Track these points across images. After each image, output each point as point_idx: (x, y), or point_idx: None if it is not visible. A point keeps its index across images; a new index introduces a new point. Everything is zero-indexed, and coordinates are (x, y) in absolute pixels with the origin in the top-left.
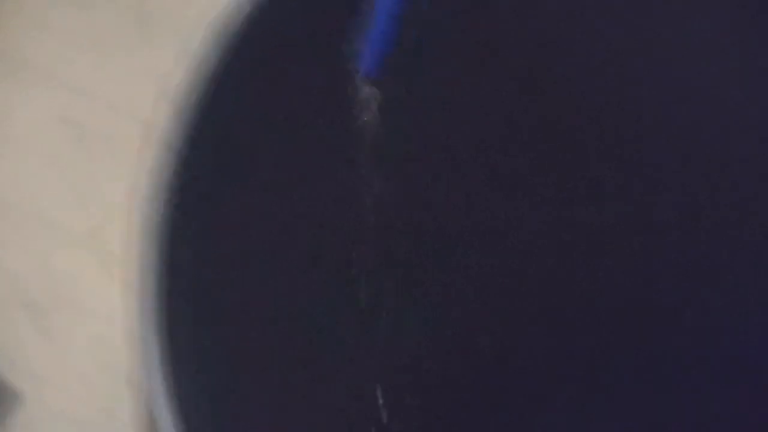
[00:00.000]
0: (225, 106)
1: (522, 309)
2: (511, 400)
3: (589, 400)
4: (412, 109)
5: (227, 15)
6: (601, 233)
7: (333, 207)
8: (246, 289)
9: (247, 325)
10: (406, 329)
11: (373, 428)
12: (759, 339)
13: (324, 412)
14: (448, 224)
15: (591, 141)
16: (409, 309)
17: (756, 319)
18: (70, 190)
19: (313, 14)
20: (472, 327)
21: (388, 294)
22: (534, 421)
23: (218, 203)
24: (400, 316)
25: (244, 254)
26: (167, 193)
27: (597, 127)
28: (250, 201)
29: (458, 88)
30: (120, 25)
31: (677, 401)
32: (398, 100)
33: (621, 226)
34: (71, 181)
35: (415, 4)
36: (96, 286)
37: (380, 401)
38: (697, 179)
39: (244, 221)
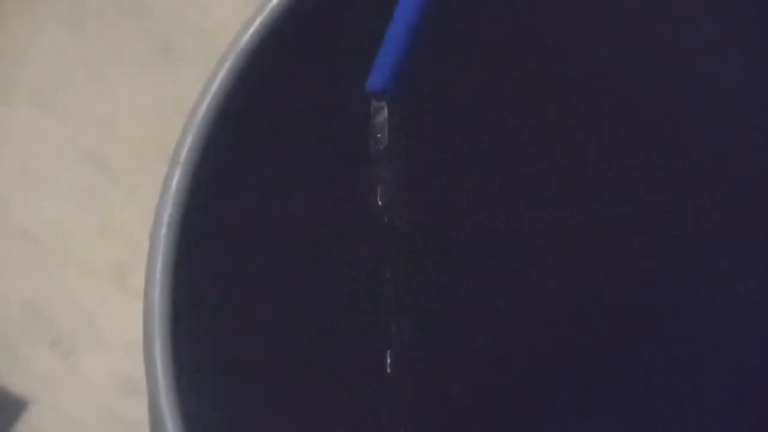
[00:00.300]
0: (236, 119)
1: (522, 309)
2: (511, 401)
3: (589, 400)
4: (415, 110)
5: (240, 30)
6: (602, 233)
7: (334, 208)
8: (248, 290)
9: (248, 325)
10: (406, 329)
11: (374, 429)
12: (759, 339)
13: (324, 412)
14: (448, 224)
15: (591, 141)
16: (410, 309)
17: (756, 319)
18: (95, 224)
19: (327, 29)
20: (471, 327)
21: (389, 294)
22: (533, 421)
23: (223, 208)
24: (401, 316)
25: (246, 256)
26: (177, 204)
27: (597, 127)
28: (253, 204)
29: (457, 88)
30: (141, 56)
31: (677, 402)
32: (402, 104)
33: (621, 226)
34: (95, 215)
35: (430, 17)
36: (119, 320)
37: (380, 402)
38: (698, 179)
39: (247, 224)
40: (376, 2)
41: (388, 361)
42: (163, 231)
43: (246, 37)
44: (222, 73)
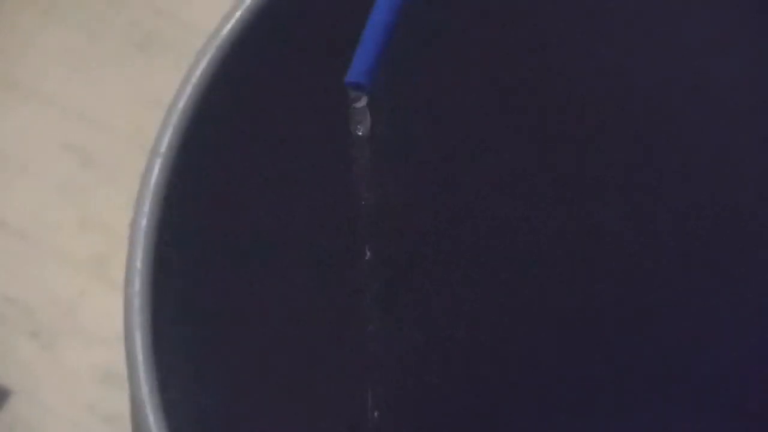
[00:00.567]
0: (216, 111)
1: (520, 309)
2: (510, 401)
3: (588, 400)
4: (407, 111)
5: (219, 23)
6: (601, 233)
7: (317, 202)
8: (228, 283)
9: (229, 318)
10: (403, 330)
11: (358, 423)
12: (759, 339)
13: (307, 406)
14: (445, 226)
15: (591, 141)
16: (407, 310)
17: (756, 319)
18: (74, 216)
19: (307, 23)
20: (471, 327)
21: (385, 296)
22: (533, 421)
23: (209, 205)
24: (397, 317)
25: (235, 255)
26: (156, 195)
27: (597, 126)
28: (233, 197)
29: (455, 86)
30: (122, 48)
31: (677, 401)
32: (393, 104)
33: (621, 226)
34: (76, 207)
35: (409, 14)
36: (100, 312)
37: (371, 403)
38: (698, 179)
39: (227, 217)
40: None
41: (383, 362)
42: (143, 224)
43: (225, 31)
44: (201, 67)
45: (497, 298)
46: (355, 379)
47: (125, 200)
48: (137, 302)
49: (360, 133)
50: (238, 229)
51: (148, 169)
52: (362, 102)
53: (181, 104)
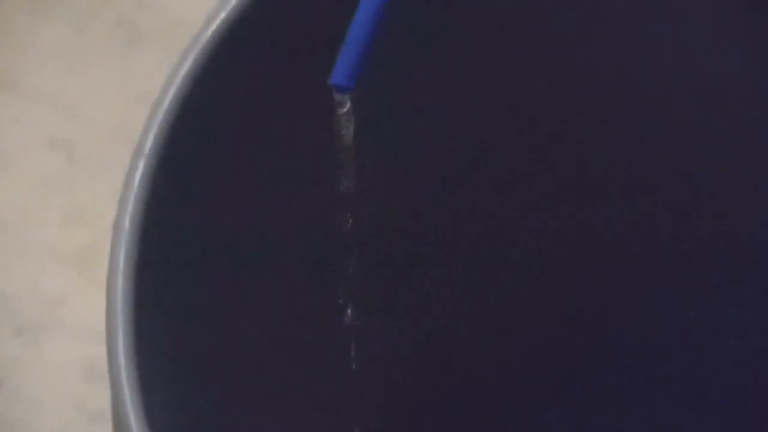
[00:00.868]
0: (201, 111)
1: (519, 309)
2: (508, 402)
3: (587, 400)
4: (400, 111)
5: (204, 23)
6: (601, 233)
7: (315, 207)
8: (213, 283)
9: (213, 318)
10: (401, 331)
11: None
12: (760, 340)
13: (303, 415)
14: (443, 226)
15: (590, 140)
16: (403, 310)
17: (757, 319)
18: (60, 211)
19: (293, 21)
20: (469, 328)
21: (371, 300)
22: (532, 422)
23: (194, 205)
24: (395, 318)
25: (221, 255)
26: (140, 196)
27: (596, 126)
28: (218, 197)
29: (448, 90)
30: (109, 43)
31: (677, 401)
32: (383, 104)
33: (621, 226)
34: (60, 202)
35: (398, 12)
36: (84, 308)
37: (367, 406)
38: (699, 179)
39: (212, 217)
40: None
41: (368, 370)
42: (126, 225)
43: (211, 30)
44: (186, 67)
45: (496, 298)
46: (349, 381)
47: (111, 195)
48: (119, 302)
49: (344, 134)
50: (223, 229)
51: (132, 168)
52: (346, 103)
53: (166, 104)
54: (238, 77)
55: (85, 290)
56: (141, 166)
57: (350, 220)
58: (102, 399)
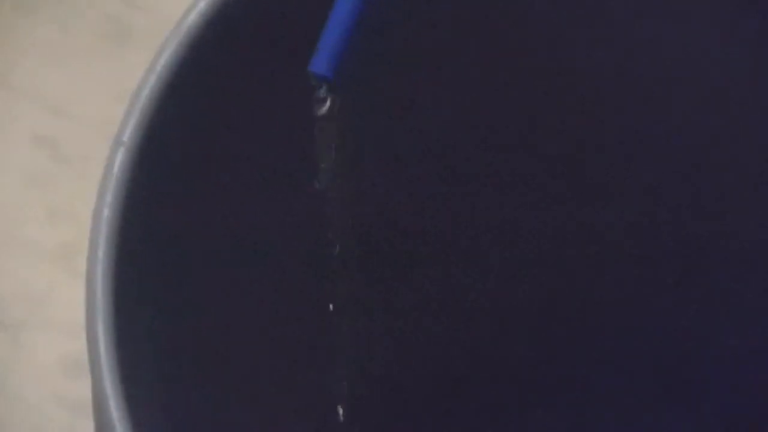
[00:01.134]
0: (180, 103)
1: (518, 309)
2: (508, 403)
3: (587, 400)
4: (375, 109)
5: (185, 11)
6: (601, 233)
7: (300, 198)
8: (194, 274)
9: (194, 311)
10: (387, 334)
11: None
12: (760, 340)
13: (286, 410)
14: (438, 225)
15: (590, 140)
16: (398, 308)
17: (757, 319)
18: (43, 208)
19: (274, 10)
20: (469, 327)
21: (358, 298)
22: (530, 422)
23: (175, 195)
24: (371, 321)
25: (203, 247)
26: (119, 185)
27: (595, 125)
28: (200, 187)
29: (439, 87)
30: (95, 41)
31: (677, 401)
32: (361, 101)
33: (621, 227)
34: (44, 198)
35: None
36: (67, 303)
37: (341, 411)
38: (699, 180)
39: (193, 208)
40: None
41: (355, 368)
42: (105, 214)
43: (190, 19)
44: (165, 56)
45: (495, 298)
46: (335, 378)
47: (95, 192)
48: (99, 293)
49: (323, 122)
50: (205, 221)
51: (111, 157)
52: (324, 90)
53: (145, 93)
54: (219, 66)
55: (68, 286)
56: (120, 154)
57: (336, 212)
58: (85, 393)
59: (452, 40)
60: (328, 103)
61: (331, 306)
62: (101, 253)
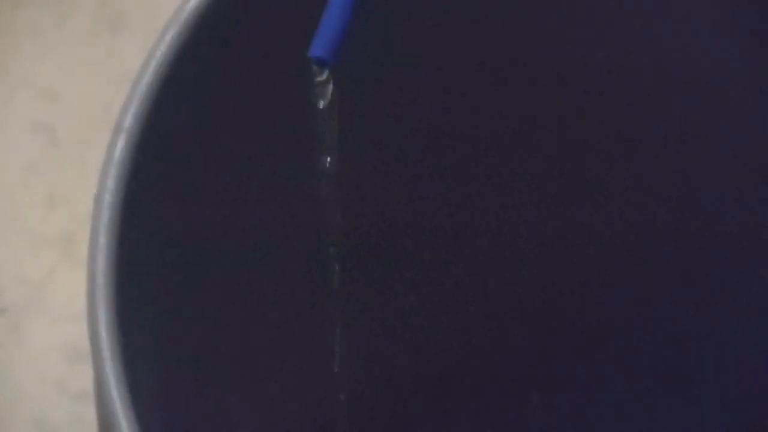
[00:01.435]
0: (180, 89)
1: (518, 309)
2: (509, 404)
3: (587, 400)
4: (374, 108)
5: (185, 4)
6: (601, 233)
7: (301, 187)
8: (195, 260)
9: (196, 298)
10: (377, 333)
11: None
12: (759, 341)
13: (285, 397)
14: (436, 223)
15: (590, 139)
16: (380, 313)
17: (756, 319)
18: (43, 195)
19: (272, 2)
20: (468, 328)
21: (358, 297)
22: (530, 422)
23: (176, 181)
24: (371, 320)
25: (203, 233)
26: (120, 171)
27: (595, 124)
28: (200, 174)
29: (437, 72)
30: (92, 28)
31: (677, 401)
32: (359, 88)
33: (621, 227)
34: (43, 186)
35: None
36: (67, 291)
37: (341, 410)
38: (699, 179)
39: (194, 194)
40: None
41: (354, 364)
42: (107, 199)
43: (191, 4)
44: (166, 42)
45: (495, 297)
46: (334, 377)
47: (94, 179)
48: (100, 279)
49: (322, 108)
50: (206, 208)
51: (112, 143)
52: (325, 77)
53: (146, 79)
54: (219, 53)
55: (67, 273)
56: (121, 141)
57: (336, 204)
58: (86, 380)
59: (452, 39)
60: (328, 93)
61: (331, 306)
62: (103, 239)
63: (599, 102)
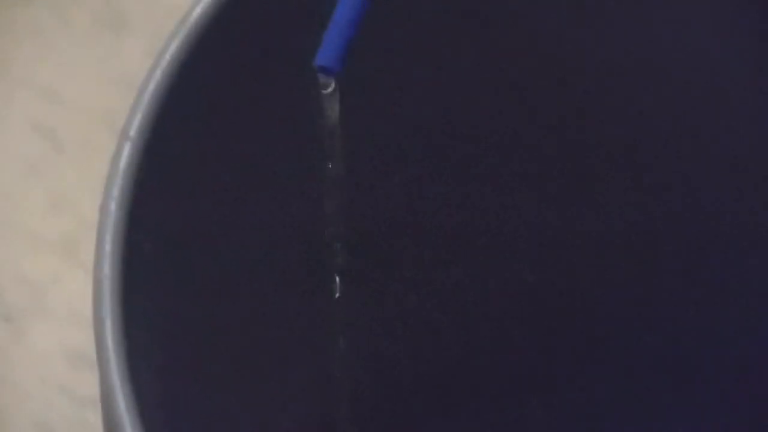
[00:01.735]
0: (186, 97)
1: (518, 308)
2: (509, 405)
3: (587, 400)
4: (378, 103)
5: (192, 7)
6: (600, 232)
7: (307, 194)
8: (201, 266)
9: (201, 303)
10: (377, 333)
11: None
12: (760, 341)
13: (288, 403)
14: (436, 222)
15: (591, 140)
16: (380, 313)
17: (756, 319)
18: (44, 198)
19: (279, 5)
20: (468, 327)
21: (358, 296)
22: (530, 421)
23: (181, 189)
24: (371, 320)
25: (209, 241)
26: (126, 179)
27: (596, 125)
28: (215, 188)
29: (441, 78)
30: (94, 28)
31: (677, 401)
32: (360, 91)
33: (621, 226)
34: (45, 188)
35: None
36: (70, 294)
37: (342, 409)
38: (699, 179)
39: (199, 200)
40: None
41: (355, 363)
42: (112, 207)
43: (197, 12)
44: (171, 50)
45: (495, 297)
46: (335, 376)
47: (96, 182)
48: (107, 286)
49: (329, 116)
50: (210, 214)
51: (118, 152)
52: (331, 86)
53: (152, 87)
54: (225, 60)
55: (70, 276)
56: (126, 148)
57: (340, 207)
58: (89, 385)
59: (452, 39)
60: (333, 100)
61: (332, 307)
62: (108, 246)
63: (599, 102)
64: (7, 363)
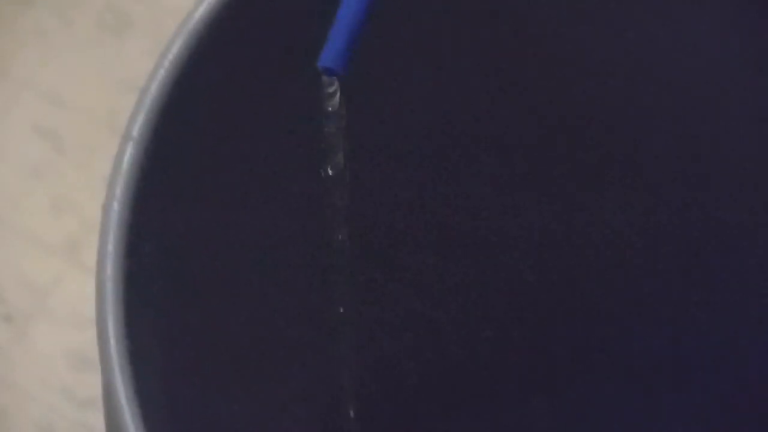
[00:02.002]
0: (189, 97)
1: (518, 307)
2: (510, 406)
3: (588, 399)
4: (381, 104)
5: (194, 8)
6: (600, 232)
7: (307, 194)
8: (203, 266)
9: (203, 303)
10: (378, 333)
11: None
12: (759, 341)
13: (290, 404)
14: (436, 221)
15: (592, 140)
16: (382, 312)
17: (756, 319)
18: (47, 200)
19: (283, 5)
20: (468, 328)
21: (359, 296)
22: (530, 421)
23: (183, 190)
24: (373, 320)
25: (211, 241)
26: (128, 179)
27: (598, 125)
28: (217, 189)
29: (443, 79)
30: (96, 31)
31: (678, 401)
32: (363, 92)
33: (621, 225)
34: (47, 190)
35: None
36: (72, 296)
37: (343, 408)
38: (699, 179)
39: (202, 201)
40: None
41: (360, 362)
42: (115, 208)
43: (199, 14)
44: (174, 51)
45: (495, 297)
46: (337, 376)
47: (98, 184)
48: (109, 287)
49: (333, 117)
50: (213, 216)
51: (120, 153)
52: (334, 86)
53: (154, 88)
54: (227, 61)
55: (72, 278)
56: (129, 149)
57: (342, 208)
58: (91, 386)
59: (453, 40)
60: (336, 101)
61: (332, 305)
62: (111, 247)
63: (599, 102)
64: (9, 364)
